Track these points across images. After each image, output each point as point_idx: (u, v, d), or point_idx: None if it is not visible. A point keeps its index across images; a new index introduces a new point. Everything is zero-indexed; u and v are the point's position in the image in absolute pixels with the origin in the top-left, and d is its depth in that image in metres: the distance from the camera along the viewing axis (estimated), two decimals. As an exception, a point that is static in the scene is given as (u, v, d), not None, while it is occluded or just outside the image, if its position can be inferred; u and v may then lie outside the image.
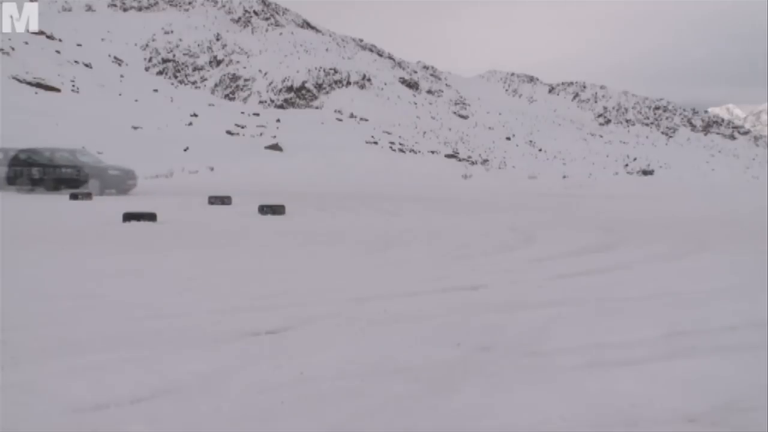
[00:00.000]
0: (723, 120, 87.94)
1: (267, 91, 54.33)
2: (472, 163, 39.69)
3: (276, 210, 13.25)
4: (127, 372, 3.57)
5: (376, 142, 39.50)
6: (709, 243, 9.72)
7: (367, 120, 49.20)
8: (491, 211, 16.16)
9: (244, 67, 56.47)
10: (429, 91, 64.79)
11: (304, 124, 41.58)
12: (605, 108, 77.91)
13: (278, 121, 41.36)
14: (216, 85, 55.15)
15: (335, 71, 56.91)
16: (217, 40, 59.29)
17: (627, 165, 52.48)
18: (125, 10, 61.88)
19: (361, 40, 72.38)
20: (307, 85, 54.97)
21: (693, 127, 77.07)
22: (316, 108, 52.70)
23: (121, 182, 20.05)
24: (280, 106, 52.40)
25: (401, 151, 39.23)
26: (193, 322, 4.72)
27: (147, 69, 54.02)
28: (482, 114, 62.85)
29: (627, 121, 75.47)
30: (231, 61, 57.19)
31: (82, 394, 3.22)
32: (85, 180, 19.71)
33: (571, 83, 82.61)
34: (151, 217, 11.26)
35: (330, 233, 10.57)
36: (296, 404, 3.15)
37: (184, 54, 56.92)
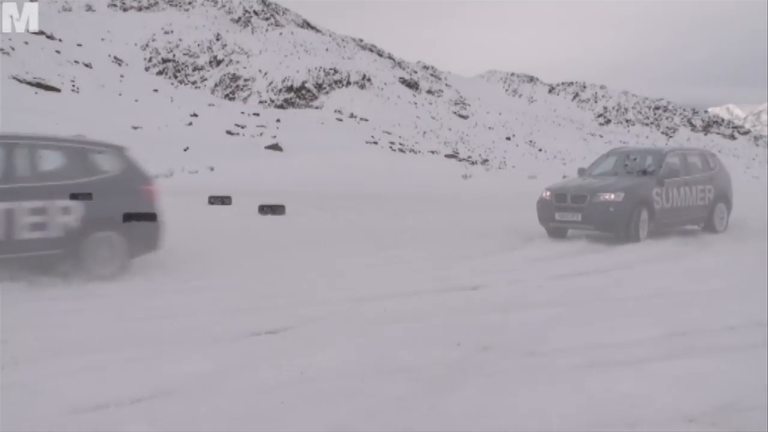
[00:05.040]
0: (723, 120, 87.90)
1: (267, 91, 54.32)
2: (472, 163, 39.66)
3: (276, 210, 13.24)
4: (127, 372, 3.58)
5: (376, 142, 39.46)
6: (709, 243, 9.72)
7: (367, 120, 49.17)
8: (491, 210, 16.15)
9: (244, 67, 56.42)
10: (429, 91, 64.80)
11: (304, 124, 41.54)
12: (605, 108, 77.94)
13: (278, 121, 41.31)
14: (216, 85, 55.10)
15: (335, 71, 56.90)
16: (217, 40, 59.26)
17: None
18: (125, 10, 61.84)
19: (361, 40, 72.31)
20: (307, 85, 54.96)
21: (693, 127, 77.13)
22: (316, 108, 52.66)
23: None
24: (280, 106, 52.37)
25: (401, 151, 39.21)
26: (193, 322, 4.72)
27: (147, 69, 53.95)
28: (482, 114, 62.83)
29: (627, 121, 75.53)
30: (231, 61, 57.17)
31: (82, 394, 3.22)
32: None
33: (571, 83, 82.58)
34: (150, 217, 11.25)
35: (330, 233, 10.57)
36: (296, 404, 3.15)
37: (184, 54, 56.90)
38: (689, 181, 10.33)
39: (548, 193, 9.98)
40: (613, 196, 9.34)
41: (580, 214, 9.45)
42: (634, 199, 9.38)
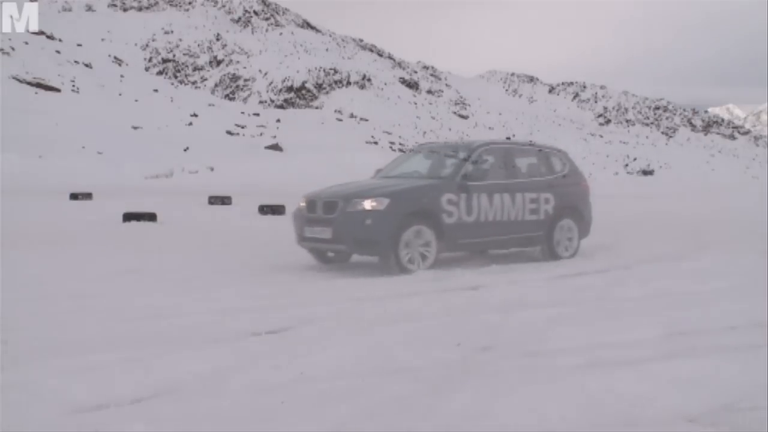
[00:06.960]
0: (723, 120, 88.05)
1: (267, 91, 54.34)
2: (473, 163, 39.70)
3: (276, 210, 13.25)
4: (127, 372, 3.57)
5: (376, 142, 39.50)
6: (709, 243, 9.71)
7: (367, 120, 49.21)
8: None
9: (244, 67, 56.47)
10: (429, 91, 64.81)
11: (304, 124, 41.58)
12: (605, 108, 77.98)
13: (278, 121, 41.35)
14: (216, 85, 55.15)
15: (335, 71, 56.94)
16: (217, 40, 59.29)
17: (627, 165, 52.43)
18: (125, 10, 61.84)
19: (361, 40, 72.35)
20: (307, 85, 54.98)
21: (693, 127, 77.19)
22: (316, 108, 52.70)
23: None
24: (280, 106, 52.39)
25: (401, 151, 39.26)
26: (193, 322, 4.72)
27: (147, 69, 54.00)
28: (482, 114, 62.89)
29: (627, 121, 75.56)
30: (231, 61, 57.20)
31: (82, 394, 3.22)
32: None
33: (571, 83, 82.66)
34: (151, 217, 11.27)
35: (330, 233, 10.54)
36: (296, 404, 3.15)
37: (184, 54, 56.92)
38: (513, 187, 7.70)
39: (302, 201, 7.51)
40: (374, 204, 6.71)
41: (330, 228, 6.83)
42: (403, 208, 6.80)
